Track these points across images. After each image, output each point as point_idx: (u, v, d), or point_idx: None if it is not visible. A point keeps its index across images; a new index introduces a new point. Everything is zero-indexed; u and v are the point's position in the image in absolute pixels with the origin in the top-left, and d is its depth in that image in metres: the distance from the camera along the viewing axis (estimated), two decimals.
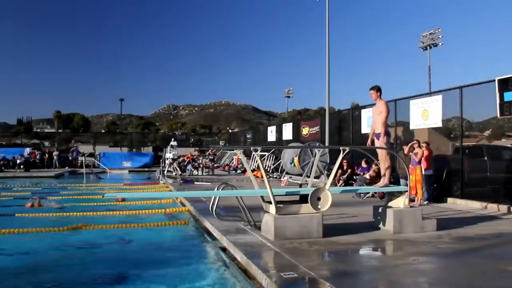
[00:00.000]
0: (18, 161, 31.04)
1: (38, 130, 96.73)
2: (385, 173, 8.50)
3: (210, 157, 30.26)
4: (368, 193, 13.12)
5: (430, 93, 14.48)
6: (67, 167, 32.40)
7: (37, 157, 33.67)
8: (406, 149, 11.89)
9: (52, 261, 7.31)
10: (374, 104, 9.02)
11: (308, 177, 11.50)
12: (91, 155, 35.69)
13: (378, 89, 8.75)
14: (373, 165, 13.20)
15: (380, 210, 8.22)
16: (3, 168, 29.94)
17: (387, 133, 8.60)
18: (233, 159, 31.36)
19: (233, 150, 31.41)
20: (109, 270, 6.64)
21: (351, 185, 14.02)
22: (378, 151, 8.62)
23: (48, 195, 15.70)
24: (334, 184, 12.09)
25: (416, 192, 10.82)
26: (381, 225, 8.09)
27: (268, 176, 8.07)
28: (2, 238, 8.85)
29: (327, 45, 20.46)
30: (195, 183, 19.15)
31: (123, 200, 13.08)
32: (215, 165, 29.82)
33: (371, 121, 16.69)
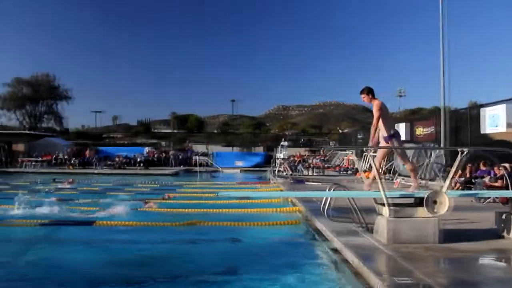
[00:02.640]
0: (138, 160, 33.32)
1: (156, 131, 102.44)
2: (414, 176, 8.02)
3: (322, 158, 30.12)
4: (488, 198, 12.31)
5: None
6: (182, 166, 34.05)
7: (155, 155, 35.87)
8: None
9: (167, 254, 7.75)
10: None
11: (423, 179, 11.07)
12: (205, 154, 37.20)
13: (368, 91, 8.00)
14: (495, 168, 12.36)
15: (503, 216, 7.64)
16: (125, 165, 32.27)
17: (394, 135, 7.99)
18: (344, 160, 31.01)
19: (345, 151, 31.04)
20: (219, 266, 6.86)
21: (469, 188, 13.23)
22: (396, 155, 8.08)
23: (165, 192, 16.67)
24: (451, 187, 11.50)
25: None
26: (505, 233, 7.51)
27: (380, 178, 7.86)
28: (122, 230, 9.62)
29: (442, 40, 19.48)
30: (306, 183, 19.19)
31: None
32: (326, 165, 29.67)
33: (492, 120, 15.77)
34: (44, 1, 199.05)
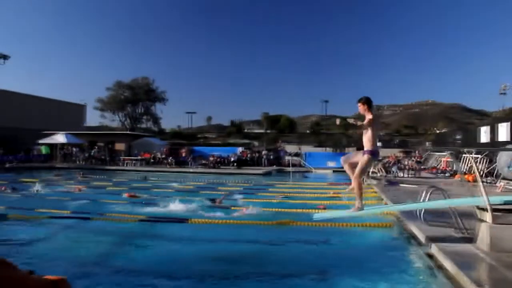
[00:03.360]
0: (231, 159, 34.12)
1: (248, 131, 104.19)
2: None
3: (417, 159, 29.05)
4: None
5: None
6: (274, 166, 34.34)
7: (248, 155, 36.53)
8: None
9: (256, 252, 7.88)
10: None
11: None
12: (297, 154, 37.24)
13: (365, 101, 7.43)
14: None
15: None
16: (218, 165, 33.18)
17: (372, 152, 7.34)
18: (440, 162, 29.72)
19: (442, 152, 29.75)
20: (309, 267, 6.85)
21: None
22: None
23: (257, 191, 16.88)
24: None
25: None
26: None
27: (481, 181, 7.43)
28: (214, 228, 9.93)
29: None
30: (400, 185, 18.59)
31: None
32: (421, 167, 28.58)
33: None
34: (140, 8, 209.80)
